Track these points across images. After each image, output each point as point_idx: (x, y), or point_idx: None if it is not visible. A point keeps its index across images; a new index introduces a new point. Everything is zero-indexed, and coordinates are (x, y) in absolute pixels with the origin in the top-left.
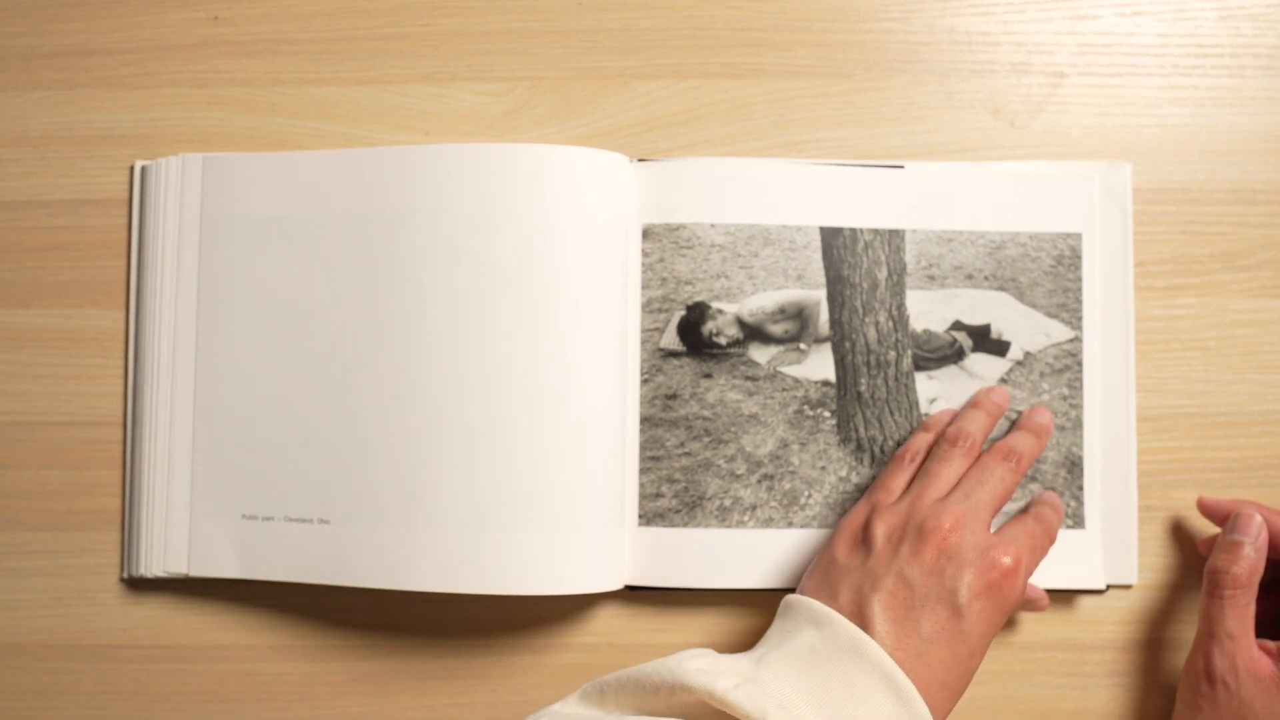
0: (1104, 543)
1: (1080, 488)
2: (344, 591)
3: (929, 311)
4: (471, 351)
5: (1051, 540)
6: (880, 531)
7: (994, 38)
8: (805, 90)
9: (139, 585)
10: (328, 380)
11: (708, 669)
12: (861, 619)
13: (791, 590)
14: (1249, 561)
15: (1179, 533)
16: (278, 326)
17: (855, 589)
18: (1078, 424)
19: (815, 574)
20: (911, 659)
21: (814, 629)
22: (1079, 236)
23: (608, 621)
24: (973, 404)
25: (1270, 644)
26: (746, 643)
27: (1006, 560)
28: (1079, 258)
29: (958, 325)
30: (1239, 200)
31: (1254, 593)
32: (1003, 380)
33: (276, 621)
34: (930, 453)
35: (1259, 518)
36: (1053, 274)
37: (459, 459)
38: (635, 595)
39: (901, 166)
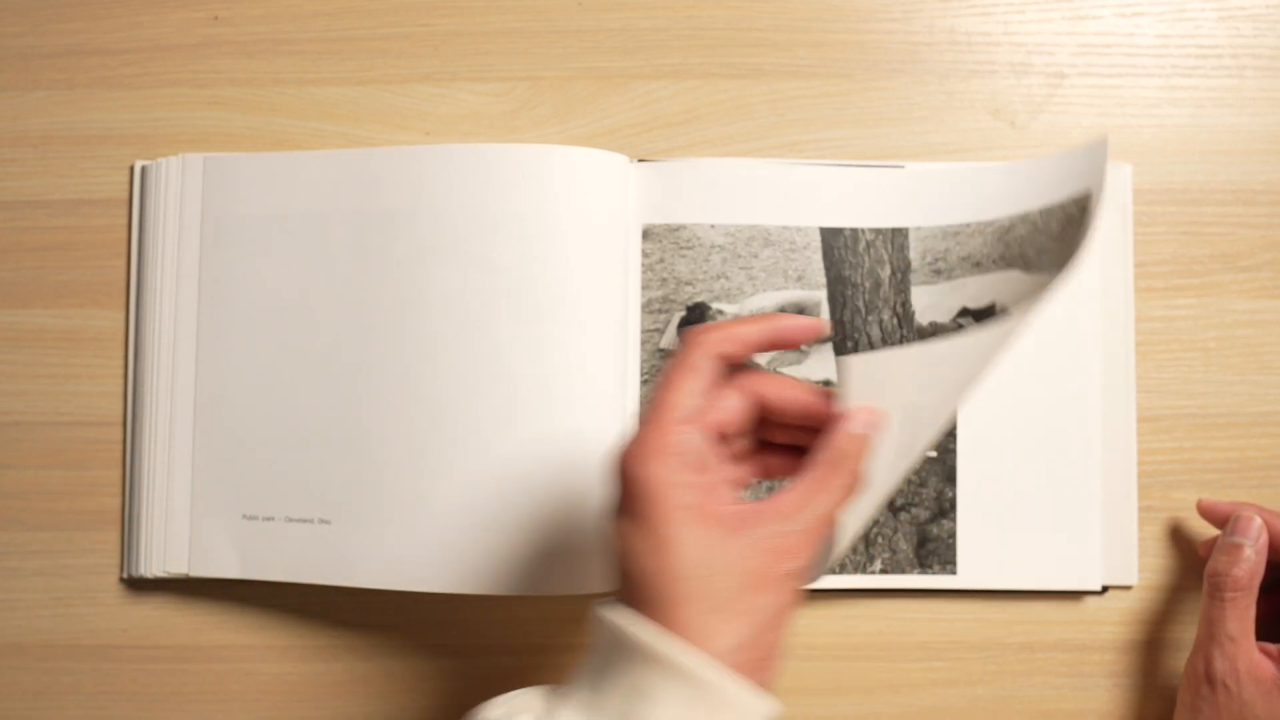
0: (1104, 543)
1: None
2: (344, 591)
3: (935, 304)
4: (471, 351)
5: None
6: None
7: (994, 38)
8: (805, 90)
9: (139, 585)
10: (328, 380)
11: (505, 715)
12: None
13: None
14: (1249, 564)
15: (1179, 534)
16: (278, 327)
17: None
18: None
19: None
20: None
21: (602, 640)
22: (1088, 196)
23: None
24: None
25: (1271, 646)
26: None
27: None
28: (1088, 215)
29: (963, 312)
30: (1239, 200)
31: (1254, 595)
32: None
33: (276, 621)
34: None
35: (1259, 520)
36: (1060, 238)
37: (459, 459)
38: None
39: (901, 166)
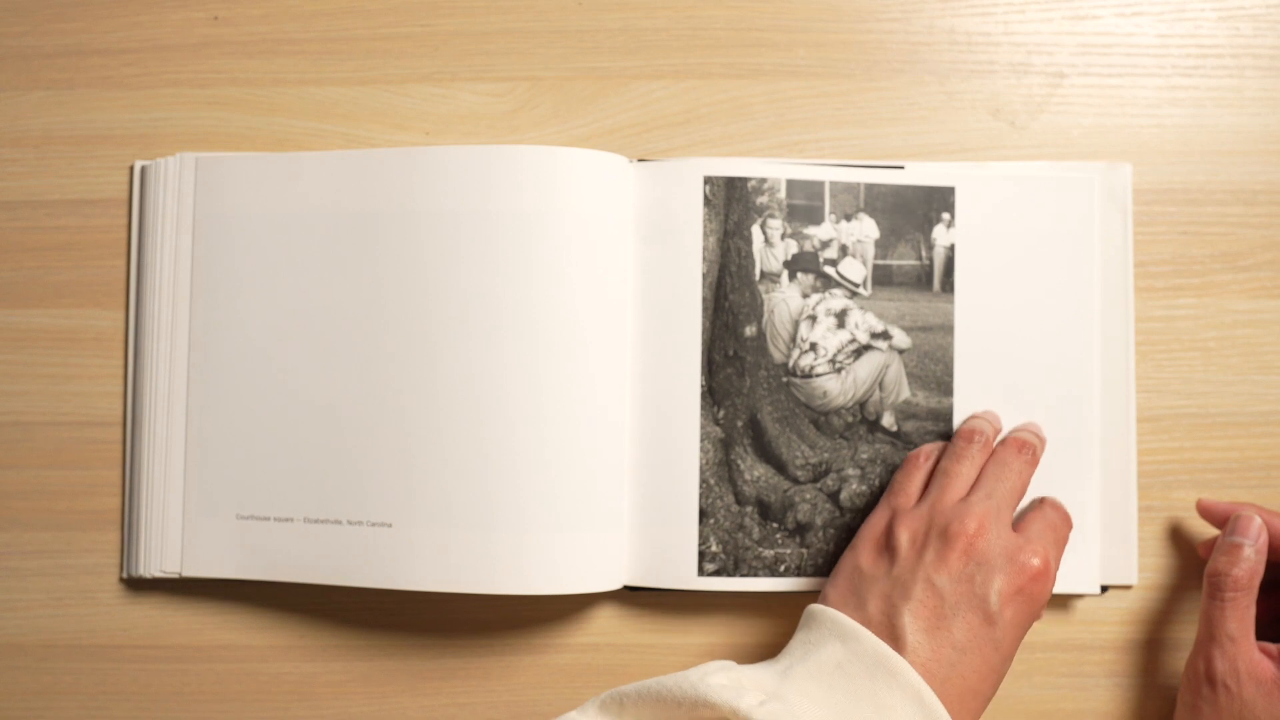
0: (1103, 543)
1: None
2: (344, 591)
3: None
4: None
5: (1069, 526)
6: (904, 537)
7: (994, 38)
8: (805, 90)
9: (139, 585)
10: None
11: (730, 684)
12: (892, 630)
13: (797, 593)
14: (1249, 564)
15: (1179, 534)
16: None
17: (883, 598)
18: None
19: (839, 583)
20: (945, 669)
21: (839, 643)
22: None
23: (607, 622)
24: (972, 416)
25: (1271, 646)
26: (743, 643)
27: (1035, 562)
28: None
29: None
30: (1239, 200)
31: (1254, 595)
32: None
33: (276, 621)
34: (945, 452)
35: (1259, 520)
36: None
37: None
38: (634, 595)
39: (901, 167)
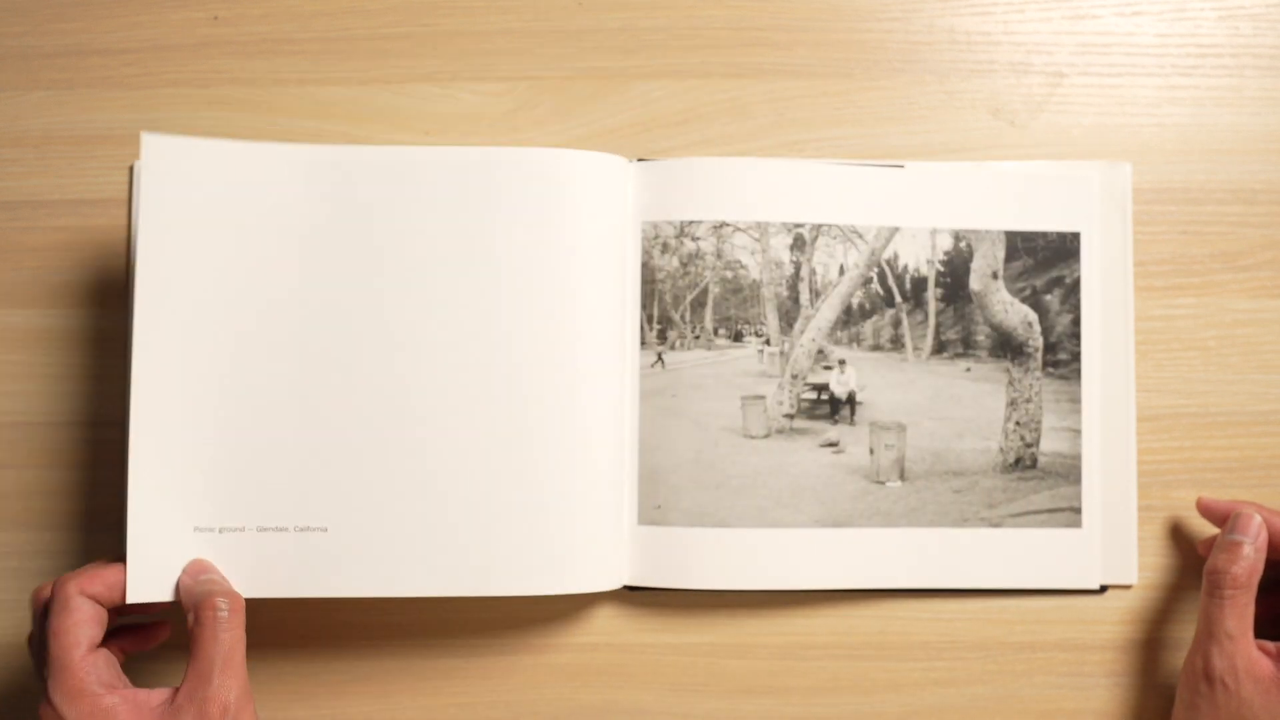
0: (1103, 543)
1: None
2: None
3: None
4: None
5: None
6: None
7: (994, 38)
8: (805, 90)
9: None
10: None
11: None
12: None
13: (797, 590)
14: (1248, 562)
15: (1178, 533)
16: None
17: None
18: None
19: None
20: None
21: None
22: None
23: (607, 622)
24: None
25: (1270, 644)
26: (744, 642)
27: None
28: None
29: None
30: (1239, 200)
31: (1253, 593)
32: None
33: (277, 621)
34: None
35: (1259, 518)
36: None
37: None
38: (634, 595)
39: (901, 166)
